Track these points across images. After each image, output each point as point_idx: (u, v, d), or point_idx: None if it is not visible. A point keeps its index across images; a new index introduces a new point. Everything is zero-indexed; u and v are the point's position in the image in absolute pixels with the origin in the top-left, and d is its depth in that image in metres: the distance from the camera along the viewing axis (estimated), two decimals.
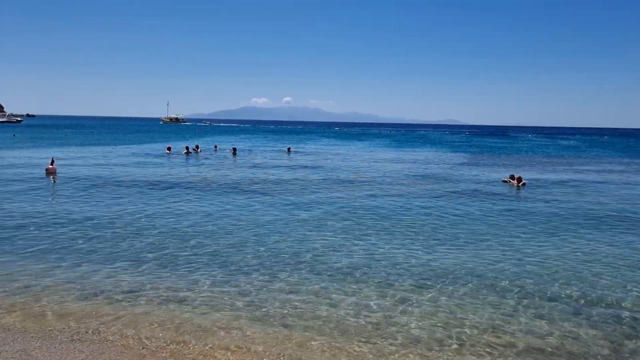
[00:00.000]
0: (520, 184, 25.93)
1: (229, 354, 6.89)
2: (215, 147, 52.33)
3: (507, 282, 10.28)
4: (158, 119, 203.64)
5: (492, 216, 17.63)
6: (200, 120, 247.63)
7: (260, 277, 10.27)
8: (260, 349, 7.04)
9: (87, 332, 7.50)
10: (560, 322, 8.23)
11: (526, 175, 29.31)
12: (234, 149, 47.35)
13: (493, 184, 27.07)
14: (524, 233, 15.01)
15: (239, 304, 8.81)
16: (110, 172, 29.07)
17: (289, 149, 53.20)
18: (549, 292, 9.66)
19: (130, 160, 37.60)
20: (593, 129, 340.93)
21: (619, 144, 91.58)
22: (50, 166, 26.83)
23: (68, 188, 22.24)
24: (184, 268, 10.78)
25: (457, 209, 18.84)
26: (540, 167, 39.56)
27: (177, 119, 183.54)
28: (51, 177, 25.43)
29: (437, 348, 7.24)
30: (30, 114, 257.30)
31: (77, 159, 36.54)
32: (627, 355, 7.14)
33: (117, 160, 37.37)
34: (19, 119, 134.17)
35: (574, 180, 29.95)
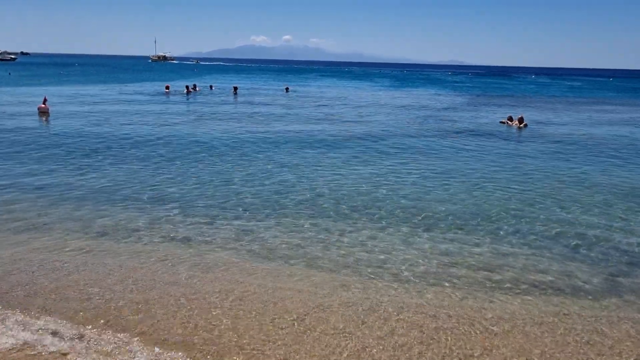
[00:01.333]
0: (521, 125, 25.67)
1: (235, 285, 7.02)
2: (211, 87, 51.55)
3: (503, 219, 10.35)
4: (147, 57, 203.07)
5: (489, 155, 17.56)
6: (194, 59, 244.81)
7: (262, 214, 10.33)
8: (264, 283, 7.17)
9: (92, 263, 7.61)
10: (557, 260, 8.36)
11: (527, 116, 28.95)
12: (235, 88, 47.05)
13: (492, 125, 26.81)
14: (521, 171, 15.00)
15: (240, 241, 8.90)
16: (110, 111, 28.65)
17: (287, 88, 52.53)
18: (545, 230, 9.76)
19: (130, 98, 37.02)
20: (599, 71, 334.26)
21: (624, 86, 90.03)
22: (43, 105, 26.08)
23: (62, 125, 22.02)
24: (182, 205, 10.82)
25: (455, 147, 18.75)
26: (542, 108, 39.06)
27: (164, 57, 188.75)
28: (44, 117, 24.94)
29: (432, 282, 7.37)
30: (24, 52, 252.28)
31: (73, 98, 35.93)
32: (621, 290, 7.28)
33: (116, 98, 36.80)
34: (13, 56, 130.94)
35: (576, 122, 29.65)
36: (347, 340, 5.73)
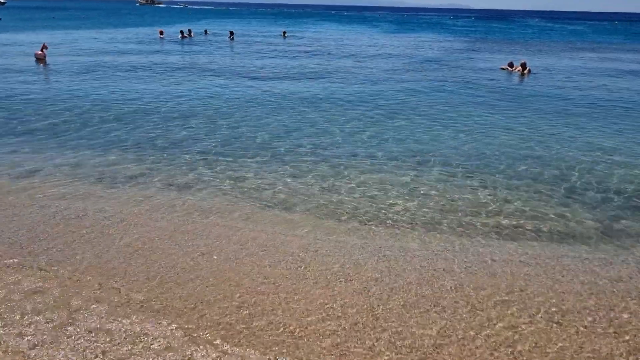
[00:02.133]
0: (525, 72, 25.17)
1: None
2: (205, 32, 50.16)
3: (502, 164, 10.34)
4: (134, 1, 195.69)
5: (490, 100, 17.35)
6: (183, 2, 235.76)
7: (258, 159, 10.31)
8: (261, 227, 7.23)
9: (89, 210, 7.63)
10: (556, 204, 8.41)
11: (530, 62, 28.36)
12: (231, 33, 45.86)
13: (492, 71, 26.32)
14: (522, 117, 14.88)
15: (238, 187, 8.91)
16: (104, 57, 27.97)
17: (284, 32, 51.23)
18: (545, 175, 9.77)
19: (123, 44, 36.07)
20: (603, 15, 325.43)
21: (629, 31, 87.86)
22: (39, 52, 25.41)
23: (61, 72, 21.56)
24: (184, 152, 10.76)
25: (456, 94, 18.50)
26: (546, 52, 38.23)
27: (152, 1, 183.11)
28: (41, 64, 24.39)
29: (430, 225, 7.44)
30: None
31: (68, 44, 34.95)
32: (617, 234, 7.37)
33: (110, 44, 35.83)
34: (2, 1, 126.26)
35: (580, 67, 29.10)
36: (346, 282, 5.82)
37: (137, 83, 19.57)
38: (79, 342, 4.67)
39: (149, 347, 4.62)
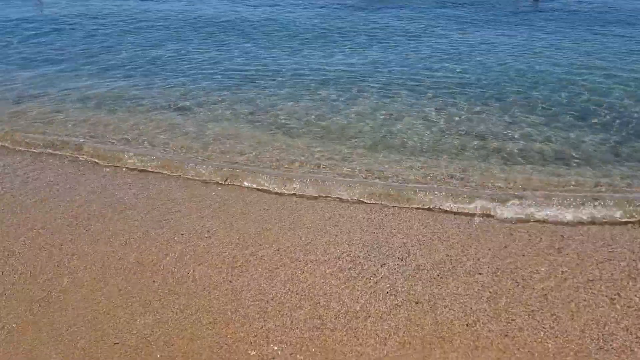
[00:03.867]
0: None
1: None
2: None
3: (509, 87, 10.07)
4: None
5: (498, 23, 16.55)
6: None
7: (271, 86, 10.14)
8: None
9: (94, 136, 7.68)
10: (562, 129, 8.28)
11: None
12: None
13: None
14: (533, 39, 14.26)
15: (242, 111, 8.84)
16: None
17: None
18: (553, 99, 9.53)
19: None
20: None
21: None
22: None
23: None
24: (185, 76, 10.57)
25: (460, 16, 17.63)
26: None
27: None
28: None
29: (435, 148, 7.44)
30: None
31: None
32: (624, 158, 7.34)
33: None
34: None
35: None
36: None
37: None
38: None
39: None
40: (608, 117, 8.58)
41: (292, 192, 6.49)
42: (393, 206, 6.16)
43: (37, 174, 7.00)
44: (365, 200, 6.31)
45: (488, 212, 5.97)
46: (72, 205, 6.32)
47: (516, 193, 6.27)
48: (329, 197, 6.37)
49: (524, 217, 5.90)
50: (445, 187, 6.47)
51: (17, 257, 5.44)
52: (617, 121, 8.40)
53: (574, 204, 6.03)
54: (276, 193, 6.50)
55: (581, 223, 5.79)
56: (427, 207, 6.15)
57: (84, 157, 7.46)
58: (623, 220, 5.83)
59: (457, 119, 8.50)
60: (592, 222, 5.78)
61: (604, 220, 5.81)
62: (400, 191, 6.36)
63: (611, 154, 7.41)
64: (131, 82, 10.11)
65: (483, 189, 6.43)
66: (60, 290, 4.96)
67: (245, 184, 6.68)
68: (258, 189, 6.59)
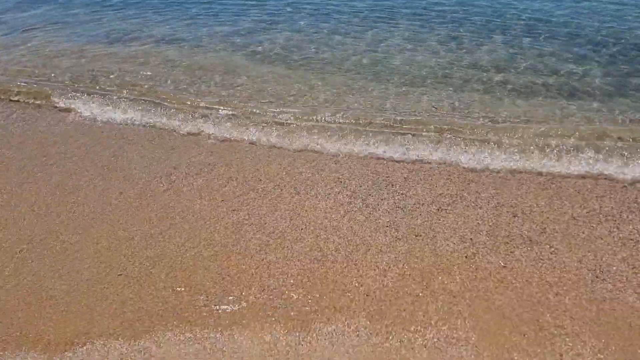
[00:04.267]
0: None
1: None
2: None
3: (514, 20, 9.66)
4: None
5: None
6: None
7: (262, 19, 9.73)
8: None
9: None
10: (569, 61, 8.01)
11: None
12: None
13: None
14: None
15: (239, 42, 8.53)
16: None
17: None
18: (558, 32, 9.16)
19: None
20: None
21: None
22: None
23: None
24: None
25: None
26: None
27: None
28: None
29: (440, 81, 7.24)
30: None
31: None
32: (630, 92, 7.16)
33: None
34: None
35: None
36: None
37: None
38: None
39: None
40: (616, 48, 8.29)
41: (291, 126, 6.40)
42: (394, 138, 6.09)
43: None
44: (368, 130, 6.23)
45: (491, 149, 5.90)
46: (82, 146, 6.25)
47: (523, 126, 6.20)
48: (328, 131, 6.28)
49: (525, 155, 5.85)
50: (448, 120, 6.36)
51: (20, 195, 5.45)
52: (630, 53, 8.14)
53: (575, 137, 5.96)
54: (277, 127, 6.40)
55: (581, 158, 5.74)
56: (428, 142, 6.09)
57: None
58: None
59: (461, 51, 8.22)
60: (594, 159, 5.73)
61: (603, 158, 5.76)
62: (402, 124, 6.28)
63: (619, 87, 7.22)
64: None
65: (484, 121, 6.33)
66: (61, 225, 5.00)
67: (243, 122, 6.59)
68: (257, 125, 6.49)
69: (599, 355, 3.60)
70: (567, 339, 3.72)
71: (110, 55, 8.37)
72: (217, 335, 3.89)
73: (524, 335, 3.76)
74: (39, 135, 6.43)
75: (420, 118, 6.47)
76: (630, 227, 4.66)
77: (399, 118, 6.45)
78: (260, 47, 8.43)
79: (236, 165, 5.73)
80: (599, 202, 4.98)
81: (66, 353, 3.82)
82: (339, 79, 7.46)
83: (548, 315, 3.89)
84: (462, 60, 7.95)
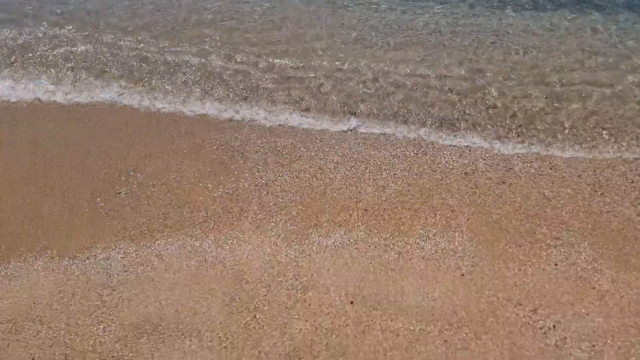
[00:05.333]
0: None
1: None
2: None
3: None
4: None
5: None
6: None
7: None
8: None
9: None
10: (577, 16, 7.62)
11: None
12: None
13: None
14: None
15: None
16: None
17: None
18: None
19: None
20: None
21: None
22: None
23: None
24: None
25: None
26: None
27: None
28: None
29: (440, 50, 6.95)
30: None
31: None
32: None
33: None
34: None
35: None
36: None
37: None
38: None
39: None
40: None
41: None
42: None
43: None
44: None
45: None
46: None
47: None
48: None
49: None
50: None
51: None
52: None
53: None
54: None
55: None
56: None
57: None
58: None
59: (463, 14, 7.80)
60: None
61: None
62: None
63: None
64: None
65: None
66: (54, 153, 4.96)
67: None
68: None
69: (593, 264, 3.68)
70: (563, 250, 3.78)
71: None
72: (218, 250, 3.94)
73: (520, 247, 3.82)
74: None
75: None
76: (636, 142, 4.64)
77: None
78: None
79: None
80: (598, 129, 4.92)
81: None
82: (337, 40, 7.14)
83: (545, 227, 3.94)
84: (466, 25, 7.56)
